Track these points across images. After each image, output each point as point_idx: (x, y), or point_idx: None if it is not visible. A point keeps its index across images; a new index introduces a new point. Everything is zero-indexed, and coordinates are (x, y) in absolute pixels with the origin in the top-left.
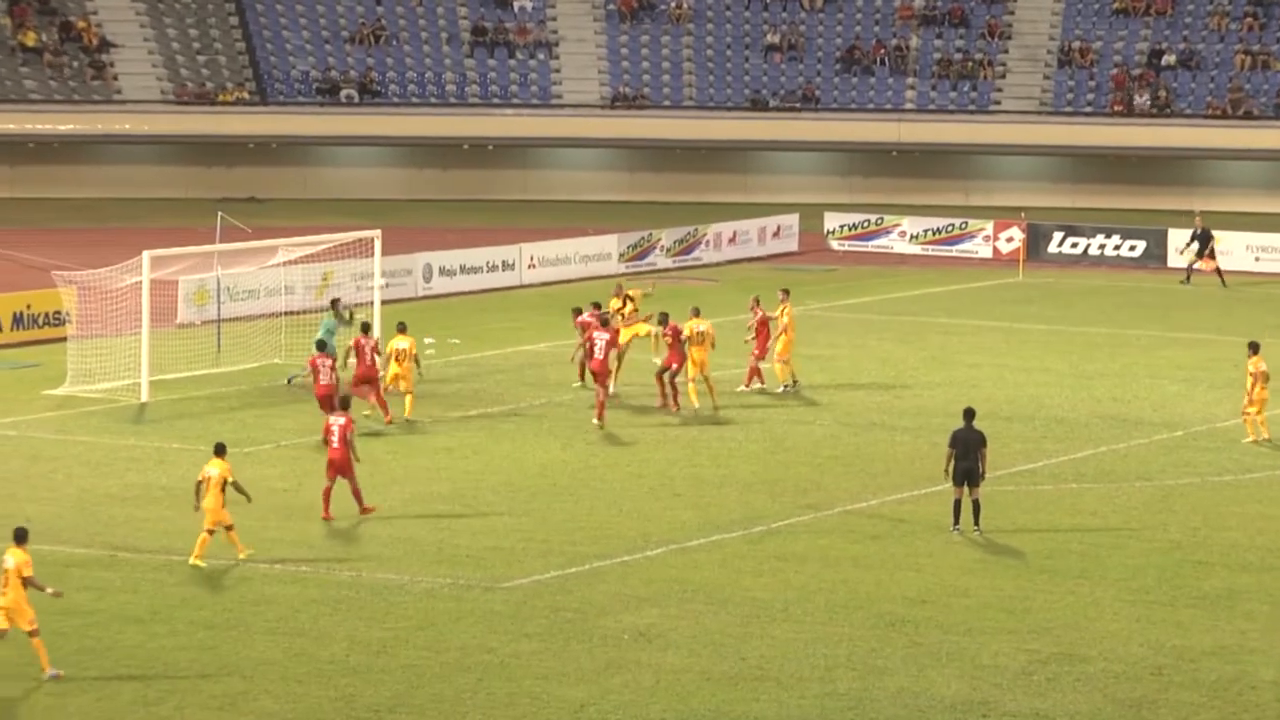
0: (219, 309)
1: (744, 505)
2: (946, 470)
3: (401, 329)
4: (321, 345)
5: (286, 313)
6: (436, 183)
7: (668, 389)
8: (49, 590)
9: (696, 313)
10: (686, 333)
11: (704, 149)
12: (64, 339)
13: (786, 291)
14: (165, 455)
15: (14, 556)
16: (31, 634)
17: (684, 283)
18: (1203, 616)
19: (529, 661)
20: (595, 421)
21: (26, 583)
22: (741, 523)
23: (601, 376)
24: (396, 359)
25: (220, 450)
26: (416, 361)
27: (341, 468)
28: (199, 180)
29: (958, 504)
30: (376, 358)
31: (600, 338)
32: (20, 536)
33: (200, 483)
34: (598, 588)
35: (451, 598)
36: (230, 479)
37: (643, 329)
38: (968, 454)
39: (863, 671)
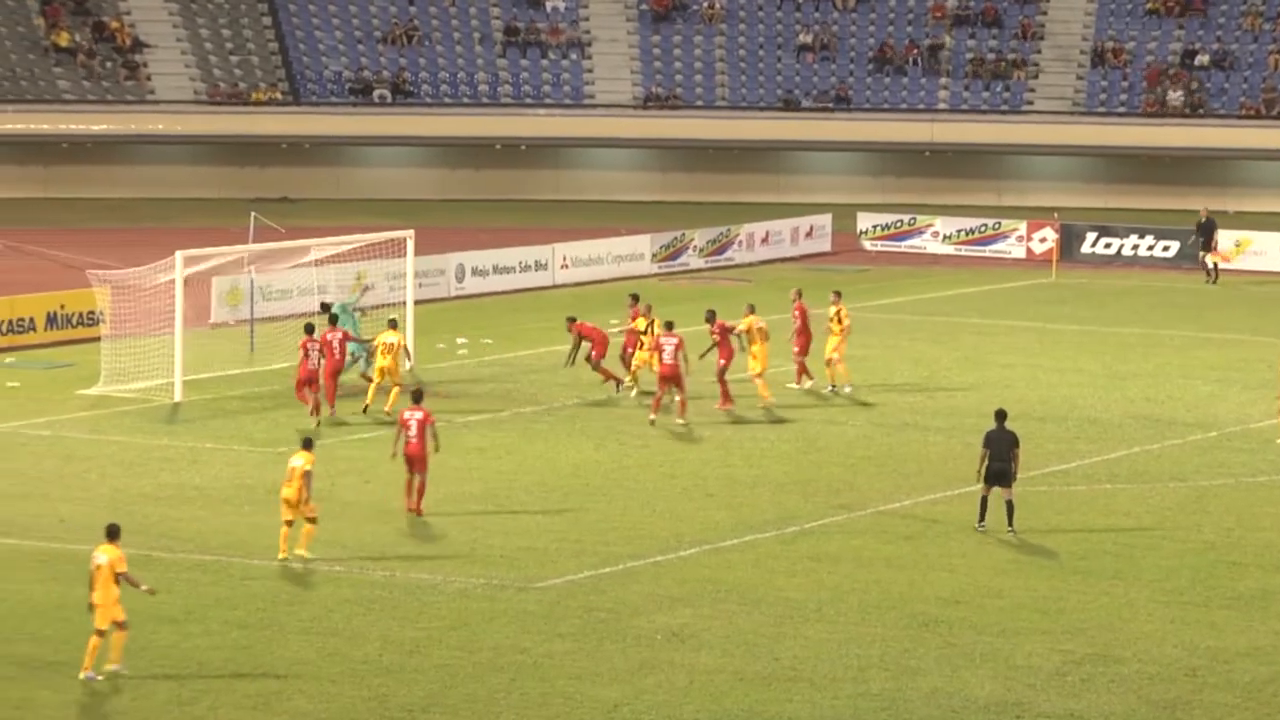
0: (252, 309)
1: (777, 505)
2: (979, 472)
3: (392, 325)
4: (334, 319)
5: (319, 312)
6: (469, 183)
7: (729, 387)
8: (143, 587)
9: (752, 309)
10: (744, 325)
11: (736, 149)
12: (97, 339)
13: (839, 294)
14: (199, 455)
15: (106, 553)
16: (119, 626)
17: (717, 283)
18: (1237, 618)
19: (562, 661)
20: (678, 420)
21: (120, 579)
22: (775, 523)
23: (674, 381)
24: (384, 353)
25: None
26: (407, 353)
27: (417, 461)
28: (232, 180)
29: (984, 501)
30: (318, 357)
31: (669, 341)
32: (113, 533)
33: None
34: (631, 588)
35: (485, 598)
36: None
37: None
38: (1000, 454)
39: (896, 672)
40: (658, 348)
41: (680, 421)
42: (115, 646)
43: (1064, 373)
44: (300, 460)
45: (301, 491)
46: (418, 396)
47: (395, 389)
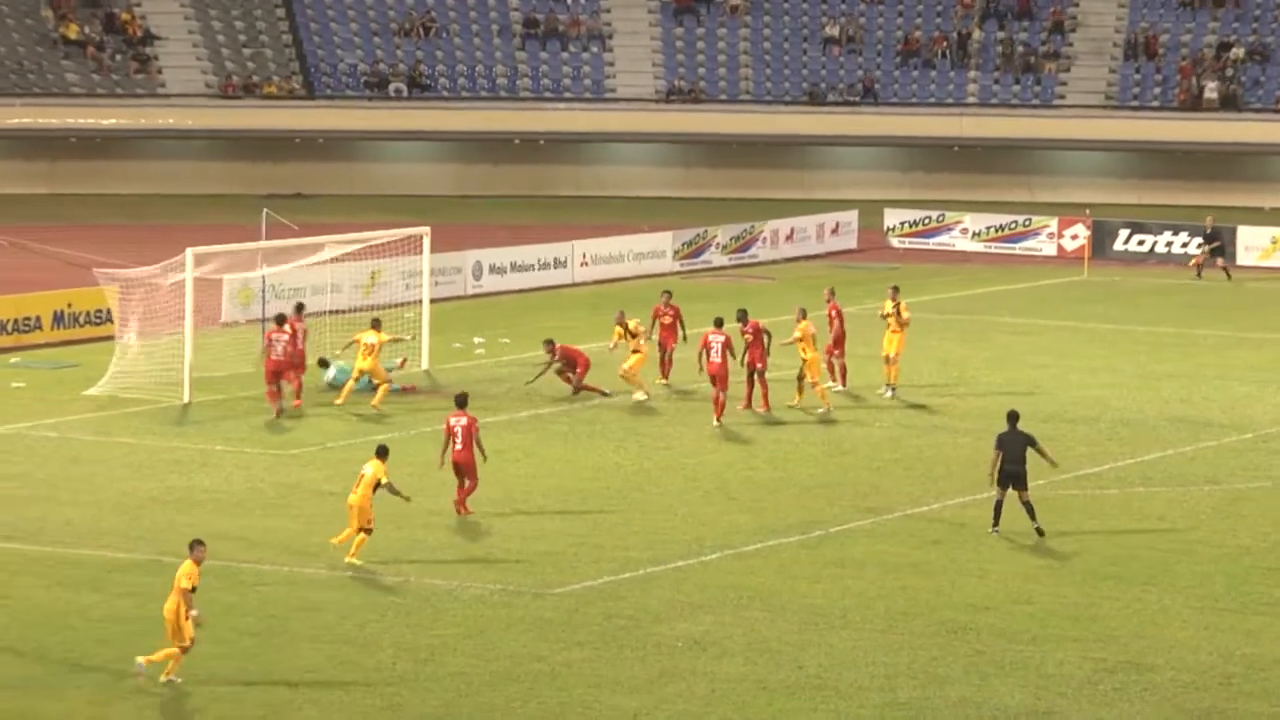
0: (264, 308)
1: (801, 509)
2: (991, 475)
3: (375, 325)
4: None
5: (333, 311)
6: (487, 178)
7: (757, 388)
8: (192, 613)
9: (804, 314)
10: (799, 334)
11: (761, 144)
12: (105, 338)
13: (897, 289)
14: (209, 458)
15: (185, 572)
16: (182, 649)
17: (741, 281)
18: (1274, 624)
19: (581, 670)
20: (715, 422)
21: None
22: (799, 527)
23: (721, 380)
24: (364, 354)
25: (381, 453)
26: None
27: (465, 468)
28: (244, 176)
29: (999, 505)
30: (276, 347)
31: (716, 340)
32: (193, 547)
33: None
34: (651, 594)
35: (501, 604)
36: (384, 479)
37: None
38: (1013, 457)
39: (924, 680)
40: (705, 345)
41: (716, 425)
42: (173, 659)
43: (1096, 373)
44: (370, 469)
45: (366, 500)
46: (462, 401)
47: (383, 386)
